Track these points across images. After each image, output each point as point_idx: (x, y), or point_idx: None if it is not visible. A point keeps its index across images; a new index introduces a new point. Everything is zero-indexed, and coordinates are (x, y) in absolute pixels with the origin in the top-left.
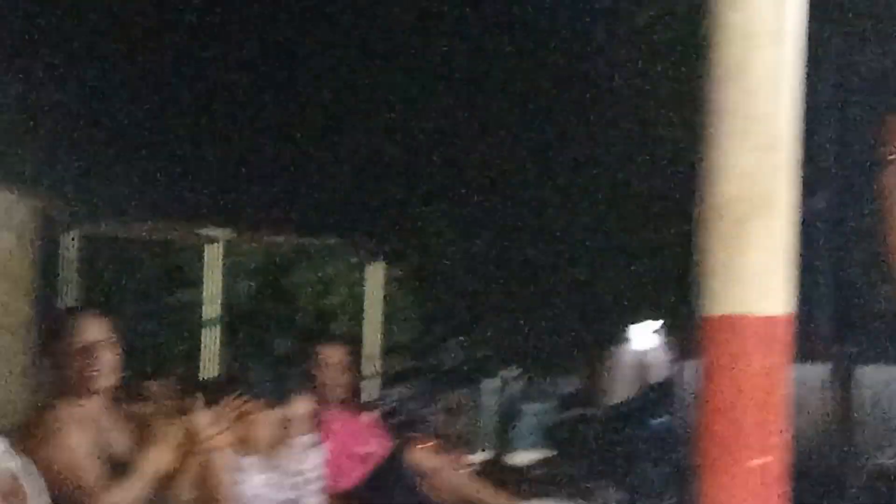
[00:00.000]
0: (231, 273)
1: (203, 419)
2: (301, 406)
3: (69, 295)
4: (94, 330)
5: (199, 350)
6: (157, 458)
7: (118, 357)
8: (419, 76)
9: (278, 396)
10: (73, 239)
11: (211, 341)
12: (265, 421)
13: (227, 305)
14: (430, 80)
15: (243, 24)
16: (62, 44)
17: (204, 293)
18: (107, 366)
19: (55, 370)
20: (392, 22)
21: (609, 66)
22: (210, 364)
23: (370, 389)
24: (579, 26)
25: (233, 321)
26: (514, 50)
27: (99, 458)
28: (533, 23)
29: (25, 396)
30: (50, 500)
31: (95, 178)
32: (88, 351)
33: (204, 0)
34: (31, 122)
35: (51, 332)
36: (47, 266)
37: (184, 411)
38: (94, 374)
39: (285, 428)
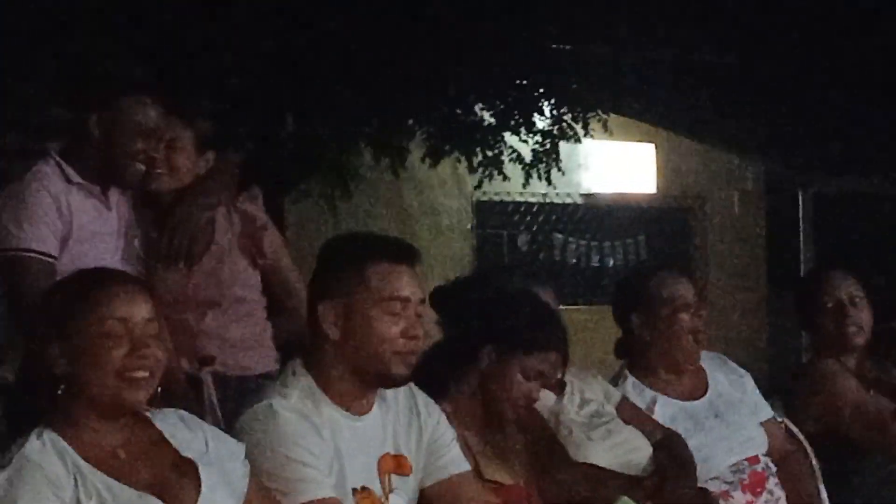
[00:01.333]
0: None
1: None
2: None
3: (805, 253)
4: (847, 288)
5: None
6: None
7: (870, 314)
8: None
9: None
10: (806, 197)
11: None
12: None
13: None
14: None
15: None
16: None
17: None
18: (861, 322)
19: (811, 327)
20: None
21: None
22: None
23: None
24: None
25: None
26: None
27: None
28: None
29: (764, 357)
30: None
31: (825, 137)
32: (842, 308)
33: None
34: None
35: (803, 292)
36: (780, 225)
37: None
38: (850, 330)
39: None
